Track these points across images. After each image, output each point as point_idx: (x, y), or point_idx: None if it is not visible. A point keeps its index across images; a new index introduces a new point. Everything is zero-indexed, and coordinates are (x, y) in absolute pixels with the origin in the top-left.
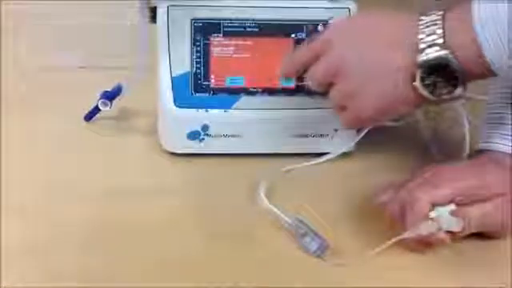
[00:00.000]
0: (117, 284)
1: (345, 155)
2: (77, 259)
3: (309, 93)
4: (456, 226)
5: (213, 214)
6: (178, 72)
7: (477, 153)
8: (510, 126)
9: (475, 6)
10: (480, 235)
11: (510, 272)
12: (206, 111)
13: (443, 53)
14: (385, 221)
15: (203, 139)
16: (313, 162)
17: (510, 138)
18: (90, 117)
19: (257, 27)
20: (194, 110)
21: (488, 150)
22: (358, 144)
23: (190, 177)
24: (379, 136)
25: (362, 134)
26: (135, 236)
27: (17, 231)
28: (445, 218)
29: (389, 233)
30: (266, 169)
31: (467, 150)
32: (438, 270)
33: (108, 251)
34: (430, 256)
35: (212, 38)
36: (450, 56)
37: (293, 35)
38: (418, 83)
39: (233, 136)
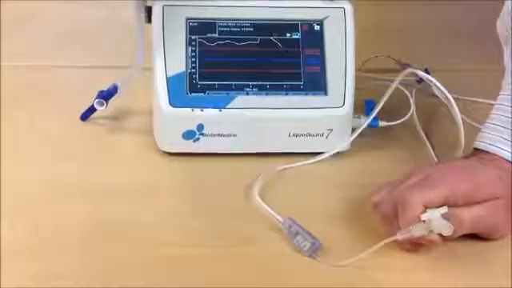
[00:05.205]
0: (115, 284)
1: (339, 155)
2: (74, 259)
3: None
4: (447, 229)
5: (208, 214)
6: (173, 72)
7: (472, 152)
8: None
9: None
10: (476, 235)
11: (510, 272)
12: (201, 111)
13: None
14: (378, 221)
15: (198, 139)
16: (307, 162)
17: (510, 143)
18: (85, 116)
19: (252, 27)
20: (189, 109)
21: (485, 152)
22: (353, 143)
23: (185, 176)
24: (374, 135)
25: (357, 134)
26: (131, 236)
27: (15, 231)
28: (436, 220)
29: (382, 233)
30: (261, 168)
31: (461, 151)
32: (433, 270)
33: (104, 251)
34: (424, 256)
35: (207, 38)
36: None
37: (288, 35)
38: None
39: (228, 135)
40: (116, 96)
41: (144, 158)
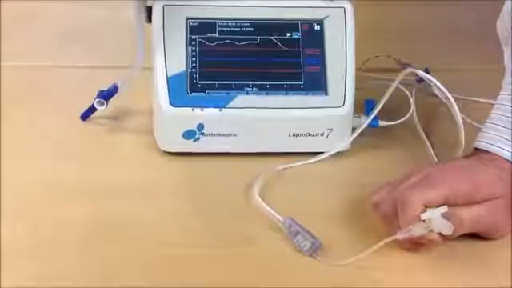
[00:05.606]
0: (115, 284)
1: (339, 154)
2: (74, 259)
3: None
4: (447, 229)
5: (208, 213)
6: (173, 71)
7: (472, 152)
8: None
9: None
10: (476, 235)
11: (510, 272)
12: (202, 110)
13: None
14: (378, 221)
15: (198, 138)
16: (307, 162)
17: (510, 143)
18: (86, 116)
19: (252, 26)
20: (189, 109)
21: (485, 151)
22: (353, 143)
23: (185, 176)
24: (374, 135)
25: (357, 134)
26: (131, 236)
27: (15, 231)
28: (436, 220)
29: (382, 233)
30: (261, 168)
31: (461, 151)
32: (433, 270)
33: (104, 251)
34: (424, 256)
35: (207, 38)
36: None
37: (288, 34)
38: None
39: (228, 135)
40: (116, 96)
41: (144, 157)
